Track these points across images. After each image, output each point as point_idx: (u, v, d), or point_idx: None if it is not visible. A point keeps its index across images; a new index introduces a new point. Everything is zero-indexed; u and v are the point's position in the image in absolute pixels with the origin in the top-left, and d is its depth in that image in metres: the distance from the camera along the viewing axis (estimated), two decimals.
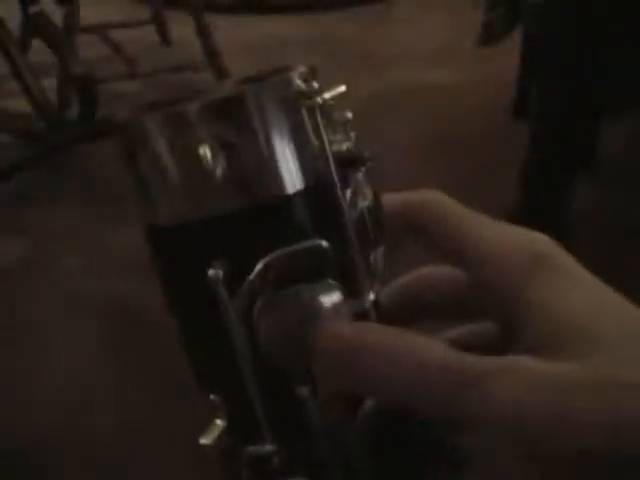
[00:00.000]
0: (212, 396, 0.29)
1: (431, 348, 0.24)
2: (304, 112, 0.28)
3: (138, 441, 1.21)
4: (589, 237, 1.69)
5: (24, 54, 2.34)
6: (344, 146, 0.30)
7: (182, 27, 2.77)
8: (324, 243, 0.27)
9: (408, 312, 0.32)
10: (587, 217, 1.74)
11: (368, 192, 0.30)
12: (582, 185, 1.72)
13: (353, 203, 0.29)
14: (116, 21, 2.92)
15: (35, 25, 2.23)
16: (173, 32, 3.02)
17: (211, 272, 0.26)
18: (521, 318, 0.26)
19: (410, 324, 0.31)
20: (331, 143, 0.28)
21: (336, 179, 0.28)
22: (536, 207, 1.75)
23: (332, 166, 0.28)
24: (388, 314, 0.30)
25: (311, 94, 0.28)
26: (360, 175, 0.30)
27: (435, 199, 0.31)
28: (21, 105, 2.19)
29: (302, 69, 0.29)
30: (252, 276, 0.26)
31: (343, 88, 0.30)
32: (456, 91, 2.48)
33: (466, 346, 0.25)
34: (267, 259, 0.26)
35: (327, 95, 0.29)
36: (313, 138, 0.28)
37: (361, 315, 0.28)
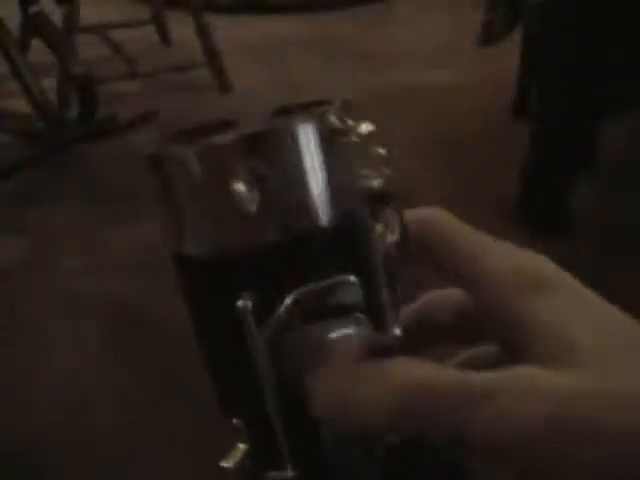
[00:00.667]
0: (235, 420, 0.29)
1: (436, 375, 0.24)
2: (338, 149, 0.28)
3: (138, 441, 1.21)
4: (589, 237, 1.69)
5: (24, 54, 2.34)
6: (376, 182, 0.30)
7: (182, 27, 2.77)
8: (353, 279, 0.27)
9: (419, 337, 0.32)
10: (587, 217, 1.74)
11: (397, 227, 0.30)
12: (582, 185, 1.72)
13: (382, 238, 0.30)
14: (116, 21, 2.92)
15: (35, 25, 2.23)
16: (173, 32, 3.02)
17: (240, 303, 0.26)
18: (522, 339, 0.26)
19: (421, 349, 0.31)
20: (363, 178, 0.29)
21: (367, 215, 0.28)
22: (536, 207, 1.75)
23: (363, 203, 0.28)
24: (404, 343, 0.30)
25: (346, 131, 0.28)
26: (390, 210, 0.30)
27: (440, 219, 0.31)
28: (21, 105, 2.19)
29: (337, 104, 0.29)
30: (281, 310, 0.26)
31: (371, 127, 0.30)
32: (456, 91, 2.48)
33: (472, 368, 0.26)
34: (296, 294, 0.26)
35: (361, 131, 0.29)
36: (346, 174, 0.28)
37: (387, 349, 0.28)
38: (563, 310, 0.26)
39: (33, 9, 2.17)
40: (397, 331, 0.29)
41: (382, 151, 0.30)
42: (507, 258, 0.29)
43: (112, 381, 1.34)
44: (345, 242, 0.27)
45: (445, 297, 0.33)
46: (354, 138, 0.28)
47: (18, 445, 1.21)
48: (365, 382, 0.25)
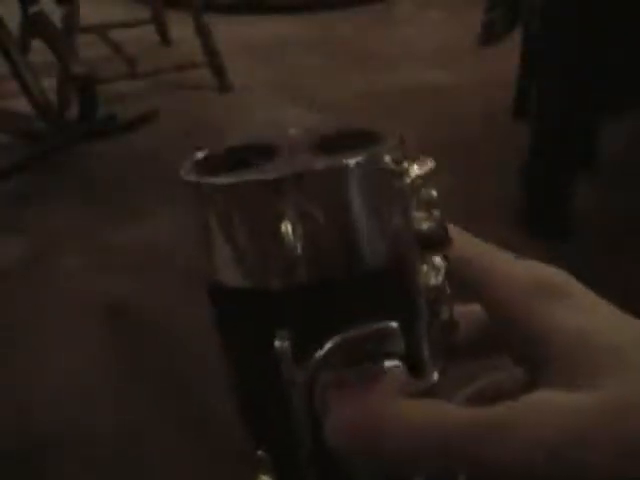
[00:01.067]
0: (260, 452, 0.29)
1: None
2: (391, 191, 0.27)
3: (138, 441, 1.21)
4: (589, 237, 1.69)
5: (24, 54, 2.34)
6: (426, 225, 0.29)
7: (182, 27, 2.77)
8: (395, 325, 0.27)
9: None
10: (587, 217, 1.74)
11: (442, 270, 0.30)
12: (582, 185, 1.72)
13: (426, 280, 0.29)
14: (116, 21, 2.92)
15: (35, 25, 2.23)
16: (173, 32, 3.02)
17: (278, 343, 0.26)
18: (544, 352, 0.26)
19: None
20: (414, 221, 0.28)
21: (416, 260, 0.28)
22: (536, 207, 1.75)
23: (413, 246, 0.28)
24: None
25: (401, 174, 0.27)
26: (438, 256, 0.30)
27: (459, 237, 0.31)
28: (21, 105, 2.19)
29: (392, 142, 0.28)
30: (321, 353, 0.26)
31: (432, 165, 0.30)
32: (456, 91, 2.48)
33: (490, 396, 0.26)
34: (338, 338, 0.26)
35: (416, 173, 0.28)
36: (397, 217, 0.27)
37: (424, 394, 0.28)
38: (578, 319, 0.26)
39: (33, 9, 2.17)
40: (434, 377, 0.29)
41: (433, 192, 0.30)
42: (527, 270, 0.29)
43: (112, 381, 1.34)
44: (390, 287, 0.27)
45: (464, 313, 0.32)
46: (407, 180, 0.27)
47: (18, 445, 1.21)
48: (389, 419, 0.25)
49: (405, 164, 0.28)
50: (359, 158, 0.26)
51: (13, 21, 2.30)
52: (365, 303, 0.26)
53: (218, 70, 2.59)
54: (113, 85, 2.43)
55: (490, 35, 1.97)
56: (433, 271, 0.29)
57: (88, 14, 2.56)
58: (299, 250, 0.25)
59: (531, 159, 1.73)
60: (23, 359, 1.41)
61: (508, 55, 2.13)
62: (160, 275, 1.59)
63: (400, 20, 3.44)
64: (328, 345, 0.26)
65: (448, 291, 0.29)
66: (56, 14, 2.30)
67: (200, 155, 0.28)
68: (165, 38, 3.04)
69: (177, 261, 1.46)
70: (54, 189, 2.04)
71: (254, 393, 0.28)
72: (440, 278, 0.29)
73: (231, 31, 2.96)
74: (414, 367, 0.27)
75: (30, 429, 1.24)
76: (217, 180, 0.26)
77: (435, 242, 0.29)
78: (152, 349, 1.40)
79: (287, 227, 0.25)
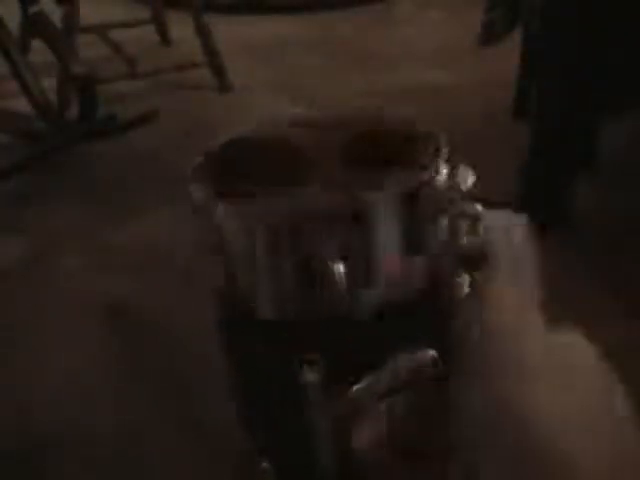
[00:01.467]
0: (265, 464, 0.29)
1: None
2: (440, 216, 0.27)
3: (138, 441, 1.21)
4: (589, 237, 1.69)
5: (24, 54, 2.34)
6: (469, 244, 0.29)
7: (182, 27, 2.77)
8: (434, 354, 0.26)
9: None
10: (587, 217, 1.74)
11: (480, 288, 0.29)
12: (582, 185, 1.72)
13: (466, 304, 0.28)
14: (116, 21, 2.91)
15: (35, 25, 2.23)
16: (173, 32, 3.02)
17: (309, 374, 0.25)
18: None
19: None
20: (460, 244, 0.27)
21: (453, 285, 0.27)
22: (536, 207, 1.75)
23: (452, 271, 0.27)
24: None
25: (452, 199, 0.27)
26: (478, 275, 0.29)
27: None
28: (21, 105, 2.19)
29: (442, 156, 0.28)
30: (357, 389, 0.26)
31: (474, 176, 0.30)
32: (456, 91, 2.48)
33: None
34: (375, 376, 0.26)
35: (464, 188, 0.28)
36: (441, 242, 0.26)
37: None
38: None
39: (33, 9, 2.17)
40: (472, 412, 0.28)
41: (478, 207, 0.29)
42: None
43: (112, 381, 1.34)
44: (426, 317, 0.26)
45: None
46: (457, 199, 0.27)
47: (18, 445, 1.21)
48: None
49: (454, 185, 0.27)
50: (410, 184, 0.25)
51: (13, 21, 2.30)
52: (402, 336, 0.26)
53: (218, 70, 2.58)
54: (113, 85, 2.43)
55: (490, 35, 1.97)
56: (476, 290, 0.28)
57: (88, 14, 2.55)
58: (336, 284, 0.24)
59: (531, 159, 1.73)
60: (23, 359, 1.41)
61: (508, 55, 2.12)
62: (160, 275, 1.59)
63: (400, 20, 3.43)
64: (365, 382, 0.25)
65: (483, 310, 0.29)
66: (56, 14, 2.30)
67: (199, 163, 0.27)
68: (165, 38, 3.03)
69: (177, 261, 1.46)
70: (54, 189, 2.04)
71: (275, 414, 0.28)
72: (478, 299, 0.28)
73: (231, 31, 2.96)
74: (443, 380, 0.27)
75: (30, 429, 1.24)
76: (253, 209, 0.25)
77: (476, 260, 0.28)
78: (152, 349, 1.40)
79: (327, 258, 0.24)
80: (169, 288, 1.54)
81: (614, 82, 1.64)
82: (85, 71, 2.13)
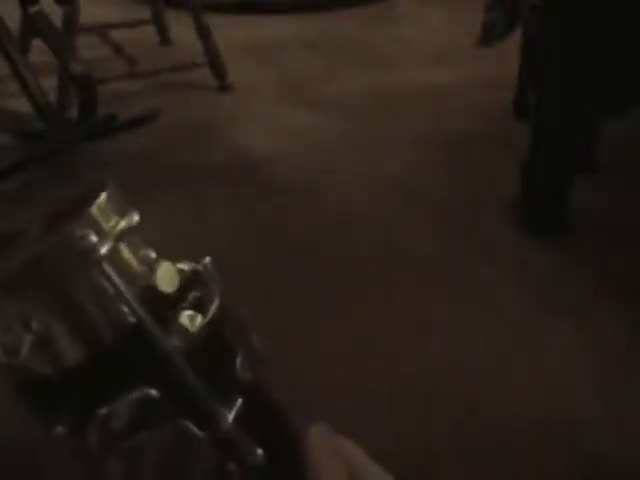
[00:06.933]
0: None
1: None
2: (95, 269, 0.27)
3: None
4: (589, 237, 1.69)
5: (24, 54, 2.34)
6: (153, 277, 0.29)
7: (182, 27, 2.77)
8: (153, 391, 0.27)
9: None
10: (587, 217, 1.74)
11: (211, 302, 0.30)
12: (582, 185, 1.72)
13: (192, 323, 0.29)
14: (116, 21, 2.92)
15: (35, 25, 2.23)
16: (173, 32, 3.02)
17: (56, 429, 0.26)
18: None
19: None
20: (142, 278, 0.28)
21: (151, 321, 0.28)
22: (536, 207, 1.75)
23: (143, 305, 0.28)
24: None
25: (94, 249, 0.28)
26: (197, 292, 0.30)
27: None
28: (21, 105, 2.19)
29: (87, 215, 0.29)
30: (90, 434, 0.26)
31: (136, 218, 0.30)
32: (456, 91, 2.48)
33: None
34: (98, 415, 0.26)
35: (120, 228, 0.29)
36: (117, 284, 0.27)
37: (223, 440, 0.28)
38: None
39: (33, 9, 2.17)
40: (229, 417, 0.28)
41: (151, 252, 0.29)
42: None
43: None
44: (137, 354, 0.27)
45: None
46: (105, 250, 0.27)
47: (19, 445, 1.21)
48: None
49: (106, 228, 0.28)
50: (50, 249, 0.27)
51: (13, 21, 2.30)
52: (114, 377, 0.26)
53: (218, 70, 2.58)
54: (113, 85, 2.43)
55: (490, 35, 1.97)
56: (200, 310, 0.29)
57: (88, 14, 2.55)
58: (25, 350, 0.25)
59: (531, 159, 1.73)
60: None
61: (508, 55, 2.12)
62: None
63: (400, 20, 3.44)
64: (92, 426, 0.26)
65: (223, 324, 0.29)
66: (56, 14, 2.30)
67: None
68: (165, 38, 3.03)
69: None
70: (54, 189, 2.04)
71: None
72: (208, 315, 0.29)
73: (231, 31, 2.96)
74: (201, 417, 0.27)
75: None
76: None
77: (167, 295, 0.28)
78: None
79: (5, 335, 0.25)
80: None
81: (614, 82, 1.64)
82: (85, 71, 2.12)
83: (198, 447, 0.27)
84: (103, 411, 0.26)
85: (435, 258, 1.65)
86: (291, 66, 2.82)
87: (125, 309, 0.27)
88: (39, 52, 2.37)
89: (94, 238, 0.27)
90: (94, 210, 0.28)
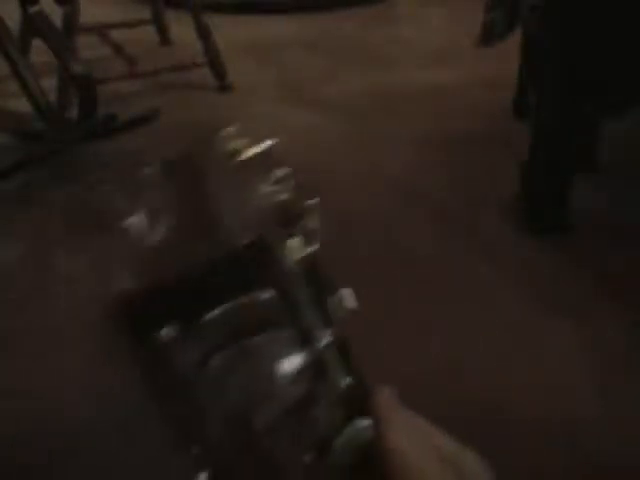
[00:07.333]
0: (194, 449, 0.29)
1: None
2: (234, 170, 0.28)
3: (138, 441, 1.21)
4: (589, 237, 1.69)
5: (24, 54, 2.34)
6: (283, 196, 0.30)
7: (182, 27, 2.77)
8: (271, 294, 0.28)
9: None
10: (587, 217, 1.74)
11: (315, 237, 0.31)
12: (582, 185, 1.72)
13: (300, 250, 0.30)
14: (116, 21, 2.92)
15: (35, 25, 2.23)
16: (173, 32, 3.02)
17: (163, 332, 0.27)
18: None
19: None
20: (269, 195, 0.29)
21: (275, 231, 0.29)
22: (536, 207, 1.75)
23: (272, 219, 0.29)
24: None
25: (237, 153, 0.29)
26: (307, 222, 0.31)
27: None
28: (21, 105, 2.19)
29: (228, 132, 0.30)
30: (203, 330, 0.27)
31: (271, 142, 0.31)
32: (456, 91, 2.48)
33: None
34: (216, 312, 0.27)
35: (253, 151, 0.30)
36: (249, 193, 0.28)
37: (317, 361, 0.29)
38: None
39: (33, 9, 2.16)
40: (325, 341, 0.29)
41: (285, 169, 0.31)
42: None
43: (112, 381, 1.34)
44: (256, 261, 0.28)
45: None
46: (248, 157, 0.28)
47: (18, 445, 1.21)
48: None
49: (241, 144, 0.29)
50: (195, 149, 0.28)
51: (13, 21, 2.30)
52: (236, 279, 0.27)
53: (218, 70, 2.59)
54: (113, 85, 2.43)
55: (490, 35, 1.97)
56: (307, 239, 0.30)
57: (88, 14, 2.55)
58: (154, 245, 0.26)
59: (531, 159, 1.73)
60: (23, 359, 1.41)
61: (508, 55, 2.13)
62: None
63: (400, 20, 3.44)
64: (204, 320, 0.26)
65: (319, 262, 0.30)
66: (56, 14, 2.30)
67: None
68: (165, 38, 3.04)
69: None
70: (54, 189, 2.03)
71: (169, 390, 0.29)
72: (315, 246, 0.30)
73: (231, 31, 2.96)
74: (301, 332, 0.28)
75: (30, 430, 1.24)
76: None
77: (297, 211, 0.30)
78: None
79: (134, 222, 0.26)
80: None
81: (614, 82, 1.64)
82: (85, 71, 2.12)
83: (297, 362, 0.28)
84: (218, 311, 0.27)
85: (435, 258, 1.65)
86: (291, 66, 2.82)
87: (253, 219, 0.28)
88: (39, 52, 2.37)
89: (232, 146, 0.28)
90: (224, 135, 0.30)
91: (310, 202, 0.31)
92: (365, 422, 0.30)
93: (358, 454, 0.30)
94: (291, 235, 0.30)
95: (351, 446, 0.30)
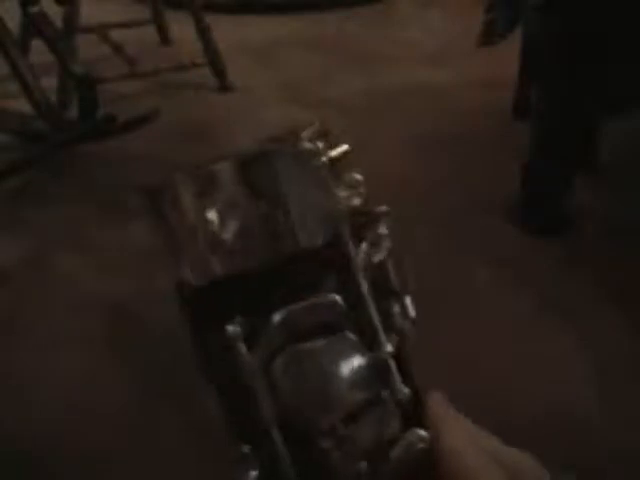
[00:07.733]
0: (244, 447, 0.29)
1: None
2: (314, 171, 0.28)
3: (138, 441, 1.21)
4: (589, 237, 1.69)
5: (24, 54, 2.34)
6: (356, 201, 0.31)
7: (182, 27, 2.77)
8: (338, 297, 0.28)
9: None
10: (587, 217, 1.74)
11: (383, 245, 0.31)
12: (582, 185, 1.72)
13: (368, 256, 0.30)
14: (116, 21, 2.92)
15: (35, 25, 2.23)
16: (173, 32, 3.02)
17: (230, 328, 0.27)
18: None
19: None
20: (344, 199, 0.29)
21: (349, 235, 0.29)
22: (537, 207, 1.75)
23: (346, 222, 0.29)
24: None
25: (319, 153, 0.29)
26: (376, 229, 0.31)
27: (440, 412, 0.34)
28: (21, 105, 2.19)
29: (310, 130, 0.30)
30: (269, 330, 0.27)
31: (347, 148, 0.31)
32: (456, 91, 2.48)
33: None
34: (283, 313, 0.27)
35: (334, 153, 0.30)
36: (325, 196, 0.29)
37: (380, 367, 0.29)
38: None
39: (33, 9, 2.16)
40: (389, 347, 0.29)
41: (358, 175, 0.31)
42: None
43: (112, 381, 1.34)
44: (328, 262, 0.28)
45: None
46: (327, 159, 0.28)
47: (18, 445, 1.21)
48: None
49: (322, 145, 0.29)
50: (280, 146, 0.28)
51: (13, 21, 2.30)
52: (306, 279, 0.27)
53: (218, 70, 2.58)
54: (113, 85, 2.43)
55: (490, 35, 1.97)
56: (374, 247, 0.30)
57: (88, 14, 2.56)
58: (230, 236, 0.26)
59: (531, 159, 1.73)
60: (23, 359, 1.41)
61: (508, 55, 2.13)
62: (160, 275, 1.59)
63: (400, 20, 3.44)
64: (273, 320, 0.26)
65: (397, 265, 0.30)
66: (56, 14, 2.30)
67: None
68: (165, 38, 3.04)
69: None
70: (54, 189, 2.04)
71: (224, 386, 0.29)
72: (382, 254, 0.30)
73: (231, 31, 2.96)
74: (366, 339, 0.28)
75: (30, 429, 1.24)
76: (165, 184, 0.28)
77: (369, 217, 0.30)
78: (153, 348, 1.40)
79: (214, 216, 0.26)
80: (169, 287, 1.53)
81: (614, 82, 1.64)
82: (85, 71, 2.12)
83: (361, 365, 0.28)
84: (284, 310, 0.27)
85: (434, 258, 1.65)
86: (291, 66, 2.83)
87: (328, 221, 0.28)
88: (39, 52, 2.37)
89: (314, 146, 0.29)
90: (306, 134, 0.30)
91: (381, 209, 0.31)
92: (422, 432, 0.30)
93: (414, 465, 0.29)
94: (362, 240, 0.30)
95: (407, 457, 0.29)
